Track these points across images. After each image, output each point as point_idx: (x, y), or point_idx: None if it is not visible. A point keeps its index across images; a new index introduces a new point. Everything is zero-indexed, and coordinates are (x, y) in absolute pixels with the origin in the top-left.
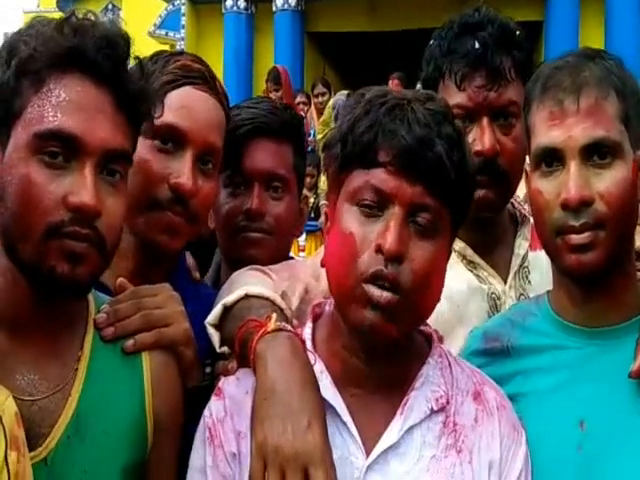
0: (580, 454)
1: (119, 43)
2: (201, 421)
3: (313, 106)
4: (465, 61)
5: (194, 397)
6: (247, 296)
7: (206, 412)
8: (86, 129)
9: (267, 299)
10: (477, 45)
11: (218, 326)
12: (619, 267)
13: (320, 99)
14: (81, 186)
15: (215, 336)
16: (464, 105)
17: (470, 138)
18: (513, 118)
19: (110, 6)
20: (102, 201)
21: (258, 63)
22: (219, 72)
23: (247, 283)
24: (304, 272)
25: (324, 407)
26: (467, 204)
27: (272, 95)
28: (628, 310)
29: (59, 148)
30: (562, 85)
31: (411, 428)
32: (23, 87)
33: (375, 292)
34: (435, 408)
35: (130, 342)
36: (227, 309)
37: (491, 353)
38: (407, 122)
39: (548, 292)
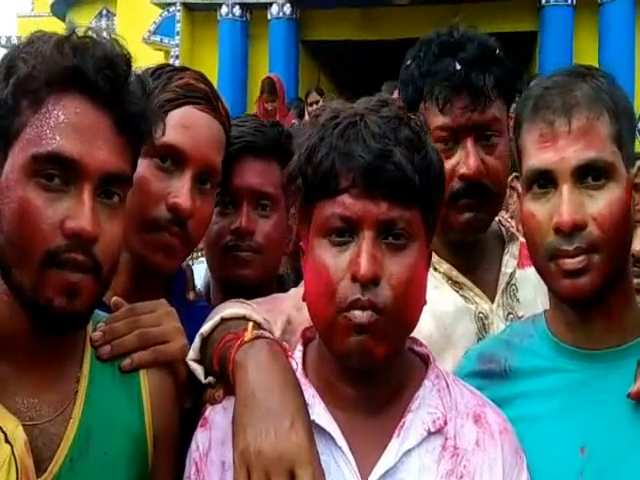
0: None
1: (119, 64)
2: (188, 455)
3: (307, 115)
4: (447, 84)
5: (190, 415)
6: (223, 320)
7: (193, 445)
8: (85, 152)
9: (243, 317)
10: (458, 67)
11: (201, 360)
12: (616, 288)
13: (314, 107)
14: (79, 211)
15: (198, 369)
16: (447, 126)
17: (454, 160)
18: (496, 136)
19: (105, 12)
20: (99, 226)
21: (253, 70)
22: (213, 79)
23: (223, 309)
24: (286, 304)
25: (307, 408)
26: (438, 201)
27: (268, 106)
28: (627, 332)
29: (57, 171)
30: (553, 106)
31: (409, 451)
32: (21, 106)
33: (357, 314)
34: (432, 430)
35: (127, 361)
36: (206, 339)
37: (487, 375)
38: (362, 139)
39: (545, 312)
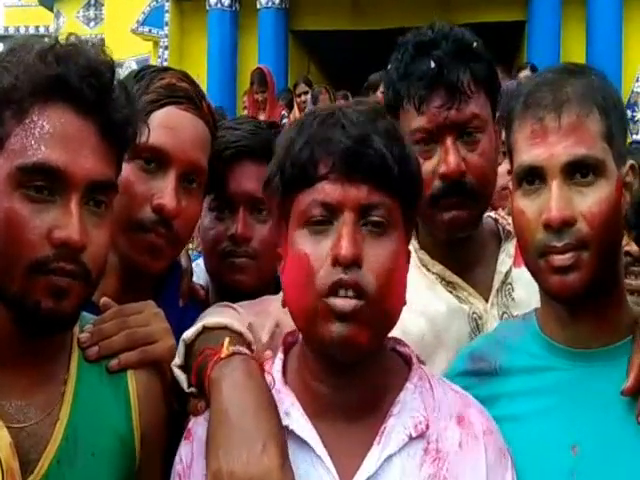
0: None
1: (103, 71)
2: (173, 467)
3: (296, 105)
4: (422, 83)
5: (179, 421)
6: (205, 329)
7: (177, 458)
8: (71, 162)
9: (225, 327)
10: (432, 65)
11: (185, 366)
12: (607, 287)
13: (303, 98)
14: (67, 221)
15: (182, 377)
16: (425, 128)
17: (434, 160)
18: (478, 133)
19: (93, 1)
20: (87, 234)
21: (242, 60)
22: (203, 69)
23: (208, 316)
24: (275, 306)
25: (282, 429)
26: (415, 195)
27: (258, 97)
28: (618, 331)
29: (43, 182)
30: (543, 102)
31: (390, 457)
32: (5, 116)
33: (338, 302)
34: (414, 434)
35: (114, 361)
36: (189, 346)
37: (478, 374)
38: (341, 126)
39: (536, 310)
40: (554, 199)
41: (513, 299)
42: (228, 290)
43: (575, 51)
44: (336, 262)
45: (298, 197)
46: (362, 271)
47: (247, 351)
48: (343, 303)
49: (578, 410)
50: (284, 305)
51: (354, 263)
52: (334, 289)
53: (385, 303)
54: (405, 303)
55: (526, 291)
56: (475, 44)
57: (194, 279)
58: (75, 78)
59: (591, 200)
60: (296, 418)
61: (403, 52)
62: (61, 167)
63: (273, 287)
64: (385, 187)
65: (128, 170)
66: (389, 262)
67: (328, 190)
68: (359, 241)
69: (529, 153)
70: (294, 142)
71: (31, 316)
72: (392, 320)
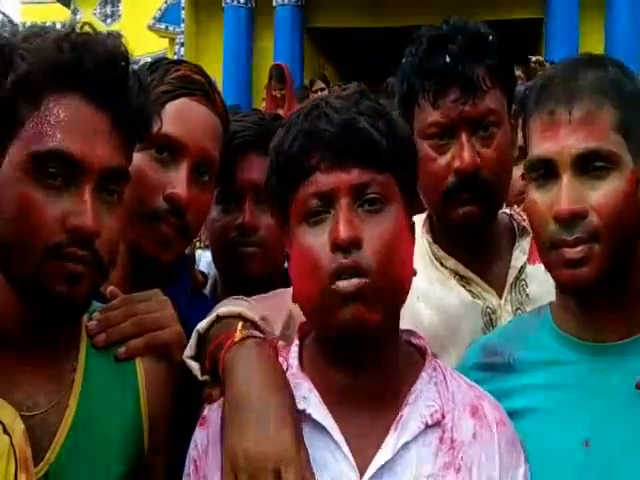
0: (585, 475)
1: (118, 61)
2: (188, 453)
3: None
4: (437, 78)
5: (189, 406)
6: (218, 318)
7: (192, 443)
8: (86, 150)
9: (238, 315)
10: (447, 59)
11: (197, 356)
12: (622, 280)
13: (319, 94)
14: (80, 208)
15: (195, 367)
16: (440, 122)
17: (449, 155)
18: (493, 127)
19: None
20: (100, 222)
21: (258, 58)
22: (219, 66)
23: (221, 307)
24: (287, 299)
25: (295, 408)
26: (409, 165)
27: (276, 93)
28: (634, 324)
29: (58, 169)
30: (554, 95)
31: (406, 444)
32: (20, 103)
33: (342, 284)
34: (430, 423)
35: (122, 349)
36: (203, 336)
37: (491, 367)
38: (325, 115)
39: (550, 304)
40: (564, 192)
41: (527, 295)
42: (237, 282)
43: (594, 49)
44: (335, 247)
45: (295, 194)
46: (362, 252)
47: (260, 335)
48: (346, 284)
49: (592, 404)
50: (294, 301)
51: (353, 244)
52: (337, 275)
53: (390, 277)
54: (415, 274)
55: (541, 288)
56: (491, 38)
57: (210, 274)
58: (90, 67)
59: (602, 193)
60: (314, 403)
61: (418, 46)
62: (76, 155)
63: (282, 275)
64: (376, 164)
65: (140, 159)
66: (389, 237)
67: (320, 180)
68: (356, 223)
69: (541, 146)
70: (284, 141)
71: (45, 301)
72: (401, 294)
